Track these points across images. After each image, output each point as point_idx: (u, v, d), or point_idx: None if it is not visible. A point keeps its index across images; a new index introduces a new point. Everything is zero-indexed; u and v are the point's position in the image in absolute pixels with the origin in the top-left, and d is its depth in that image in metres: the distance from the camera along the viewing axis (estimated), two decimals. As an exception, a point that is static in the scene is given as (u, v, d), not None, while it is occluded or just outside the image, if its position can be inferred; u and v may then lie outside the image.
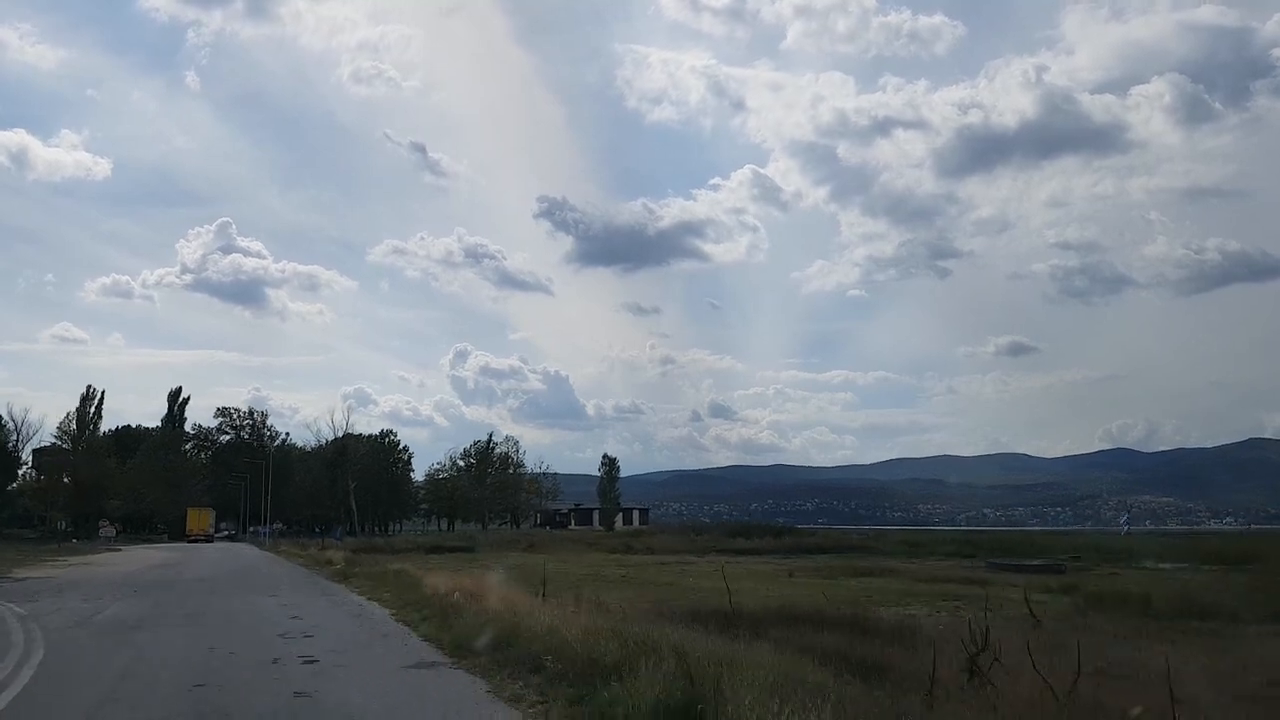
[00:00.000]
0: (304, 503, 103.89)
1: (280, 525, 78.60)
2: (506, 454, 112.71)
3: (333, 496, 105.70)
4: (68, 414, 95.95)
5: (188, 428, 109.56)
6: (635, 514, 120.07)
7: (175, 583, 24.04)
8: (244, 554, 48.00)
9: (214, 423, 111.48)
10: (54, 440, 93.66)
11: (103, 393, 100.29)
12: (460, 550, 49.28)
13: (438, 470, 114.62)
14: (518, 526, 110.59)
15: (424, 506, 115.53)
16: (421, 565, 26.49)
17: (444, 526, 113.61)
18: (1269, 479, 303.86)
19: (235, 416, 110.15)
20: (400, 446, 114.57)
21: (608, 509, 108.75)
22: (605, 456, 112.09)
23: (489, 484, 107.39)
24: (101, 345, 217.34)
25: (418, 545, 53.11)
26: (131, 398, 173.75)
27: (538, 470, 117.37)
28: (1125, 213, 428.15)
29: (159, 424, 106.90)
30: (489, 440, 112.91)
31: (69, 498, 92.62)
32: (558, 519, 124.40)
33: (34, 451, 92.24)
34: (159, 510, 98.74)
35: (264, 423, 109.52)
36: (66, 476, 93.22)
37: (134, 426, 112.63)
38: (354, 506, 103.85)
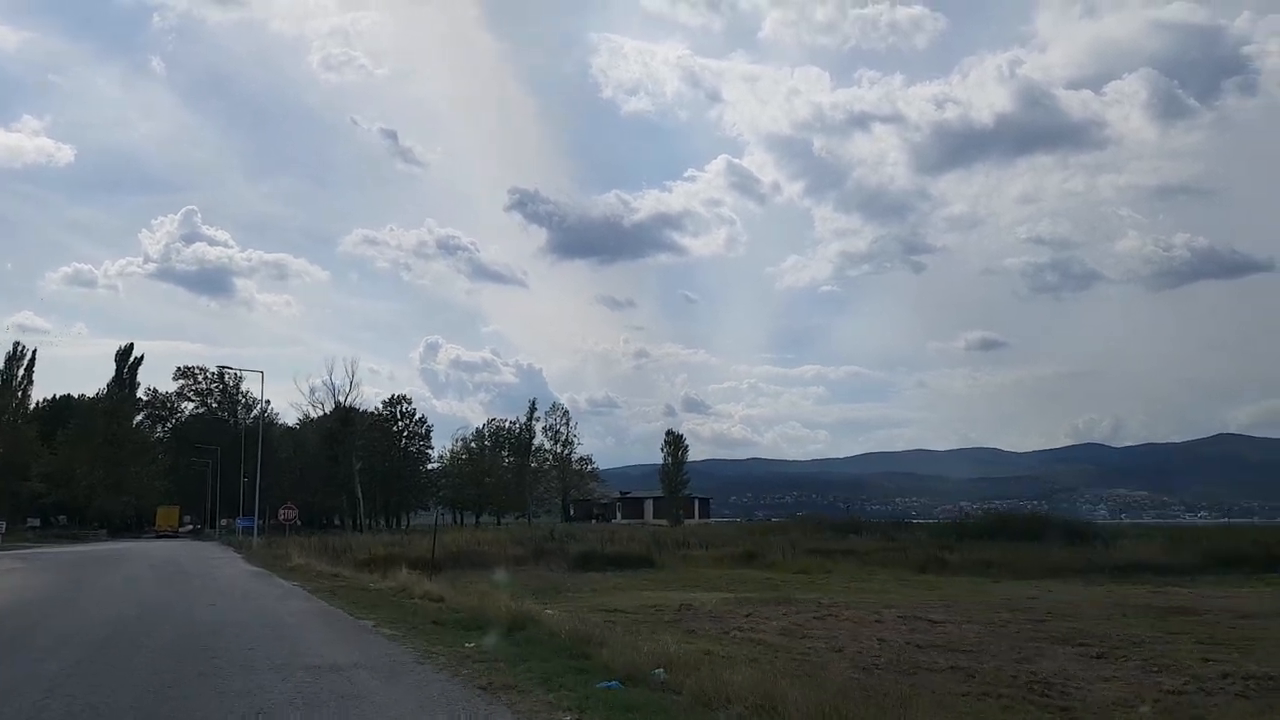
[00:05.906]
0: (292, 488, 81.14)
1: (295, 515, 54.43)
2: (553, 427, 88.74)
3: (333, 480, 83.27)
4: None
5: (140, 394, 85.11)
6: (696, 504, 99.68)
7: None
8: (209, 595, 21.53)
9: (174, 386, 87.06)
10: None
11: (34, 351, 76.31)
12: (632, 566, 27.58)
13: (458, 451, 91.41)
14: (569, 519, 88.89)
15: (443, 494, 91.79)
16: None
17: (460, 520, 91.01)
18: (1237, 474, 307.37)
19: (201, 379, 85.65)
20: (416, 418, 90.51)
21: (674, 499, 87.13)
22: (669, 434, 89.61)
23: (532, 468, 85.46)
24: (64, 335, 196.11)
25: (532, 550, 30.60)
26: (98, 388, 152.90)
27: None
28: (1095, 209, 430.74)
29: (104, 389, 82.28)
30: (530, 410, 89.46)
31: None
32: (596, 512, 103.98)
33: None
34: (95, 496, 74.79)
35: (238, 388, 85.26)
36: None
37: (75, 396, 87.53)
38: (360, 494, 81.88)
